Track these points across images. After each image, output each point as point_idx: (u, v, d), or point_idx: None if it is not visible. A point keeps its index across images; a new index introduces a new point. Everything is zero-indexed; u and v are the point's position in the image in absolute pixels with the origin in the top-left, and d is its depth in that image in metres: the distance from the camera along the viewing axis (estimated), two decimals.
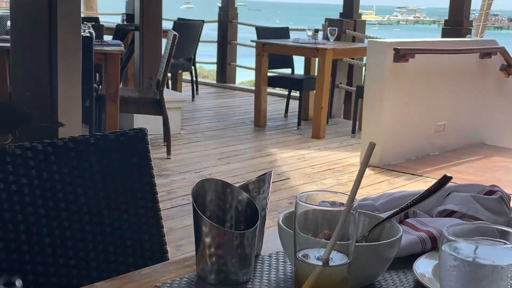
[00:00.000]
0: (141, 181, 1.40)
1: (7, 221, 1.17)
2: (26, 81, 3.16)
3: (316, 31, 6.16)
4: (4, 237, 1.16)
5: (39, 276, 1.20)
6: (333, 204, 0.97)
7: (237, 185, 1.04)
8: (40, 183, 1.24)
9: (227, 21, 8.51)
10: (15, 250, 1.17)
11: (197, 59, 7.68)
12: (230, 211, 1.02)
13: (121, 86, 5.56)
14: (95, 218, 1.30)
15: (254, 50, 6.27)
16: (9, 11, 6.86)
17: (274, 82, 6.50)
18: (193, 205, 0.97)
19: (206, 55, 9.87)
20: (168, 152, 4.84)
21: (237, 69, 8.87)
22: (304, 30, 6.64)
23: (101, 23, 6.40)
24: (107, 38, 6.00)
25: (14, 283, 0.60)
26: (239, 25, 8.70)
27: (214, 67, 9.37)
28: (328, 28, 6.21)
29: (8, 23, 5.99)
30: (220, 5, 8.71)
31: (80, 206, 1.29)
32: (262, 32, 6.64)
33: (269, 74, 6.27)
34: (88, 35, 4.31)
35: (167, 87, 6.95)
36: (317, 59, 6.02)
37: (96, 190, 1.32)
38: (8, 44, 4.21)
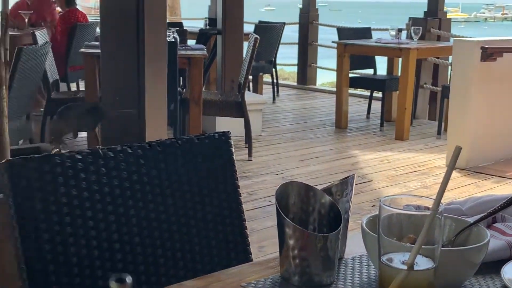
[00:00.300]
0: (225, 183, 1.43)
1: (99, 221, 1.23)
2: (115, 86, 3.29)
3: (400, 30, 6.06)
4: (97, 236, 1.22)
5: (130, 274, 1.25)
6: (418, 208, 0.96)
7: (319, 187, 1.05)
8: (131, 185, 1.29)
9: (307, 23, 8.51)
10: (107, 249, 1.23)
11: (277, 61, 7.72)
12: (313, 214, 1.03)
13: (203, 89, 5.67)
14: (182, 219, 1.35)
15: (335, 51, 6.24)
16: (98, 19, 7.14)
17: (356, 83, 6.44)
18: (276, 207, 0.98)
19: (286, 57, 9.90)
20: (250, 154, 4.89)
21: (318, 70, 8.85)
22: (386, 29, 6.54)
23: (184, 28, 6.56)
24: (191, 42, 6.14)
25: (125, 279, 0.64)
26: (320, 26, 8.67)
27: (295, 69, 9.38)
28: (412, 27, 6.09)
29: (98, 30, 6.26)
30: (300, 6, 8.72)
31: (167, 207, 1.34)
32: (343, 32, 6.59)
33: (350, 75, 6.21)
34: (173, 40, 4.43)
35: (248, 90, 7.02)
36: (400, 59, 5.91)
37: (182, 191, 1.36)
38: (98, 50, 4.39)
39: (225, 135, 1.45)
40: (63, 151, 1.25)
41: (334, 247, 0.97)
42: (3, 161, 1.15)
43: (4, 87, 2.27)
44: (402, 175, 4.62)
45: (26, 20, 6.16)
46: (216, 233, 1.38)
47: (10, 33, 2.33)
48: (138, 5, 3.12)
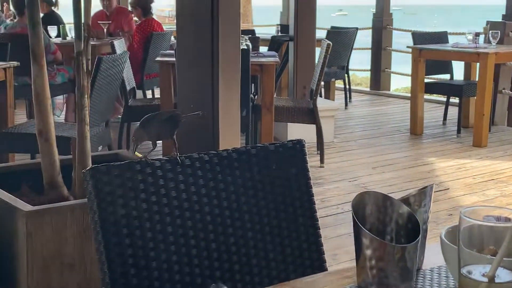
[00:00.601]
0: (299, 191, 1.44)
1: (178, 227, 1.26)
2: (190, 93, 3.36)
3: (477, 34, 5.88)
4: (175, 242, 1.25)
5: (205, 279, 1.28)
6: (498, 219, 0.94)
7: (394, 195, 1.04)
8: (207, 192, 1.32)
9: (381, 28, 8.40)
10: (185, 254, 1.26)
11: (349, 67, 7.65)
12: (391, 224, 1.02)
13: (275, 95, 5.70)
14: (256, 225, 1.36)
15: (410, 55, 6.13)
16: (172, 28, 7.28)
17: (432, 88, 6.30)
18: (353, 217, 0.98)
19: (358, 62, 9.80)
20: (322, 161, 4.87)
21: (392, 75, 8.71)
22: (463, 34, 6.37)
23: (257, 35, 6.61)
24: (263, 49, 6.18)
25: None
26: (394, 30, 8.54)
27: (367, 74, 9.27)
28: (490, 31, 5.90)
29: (172, 38, 6.40)
30: (374, 11, 8.61)
31: (242, 214, 1.35)
32: (418, 37, 6.46)
33: (426, 80, 6.09)
34: (245, 47, 4.48)
35: (320, 96, 6.99)
36: (478, 64, 5.74)
37: (257, 198, 1.38)
38: (173, 59, 4.49)
39: (300, 143, 1.46)
40: (138, 156, 1.29)
41: (412, 258, 0.96)
42: (88, 168, 1.19)
43: (86, 96, 2.36)
44: (480, 183, 4.48)
45: (105, 30, 6.38)
46: (290, 240, 1.38)
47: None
48: (213, 14, 3.17)
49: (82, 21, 2.40)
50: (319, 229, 1.42)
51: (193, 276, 1.25)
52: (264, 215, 1.37)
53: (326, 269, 1.39)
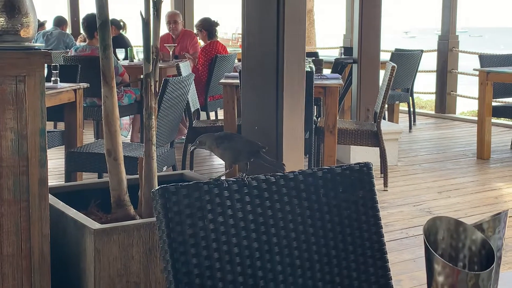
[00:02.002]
0: (366, 214, 1.42)
1: (244, 248, 1.27)
2: (254, 115, 3.38)
3: None
4: (241, 263, 1.25)
5: None
6: None
7: (462, 221, 1.01)
8: (273, 214, 1.32)
9: (447, 50, 8.25)
10: (251, 275, 1.25)
11: (414, 89, 7.54)
12: (463, 250, 0.99)
13: (338, 118, 5.66)
14: (322, 248, 1.35)
15: (476, 78, 5.99)
16: (236, 50, 7.35)
17: (499, 112, 6.14)
18: (424, 242, 0.96)
19: (423, 84, 9.65)
20: (385, 184, 4.80)
21: (458, 98, 8.53)
22: None
23: (320, 57, 6.61)
24: (326, 71, 6.17)
25: None
26: (460, 52, 8.38)
27: (432, 97, 9.10)
28: None
29: (236, 61, 6.48)
30: (439, 33, 8.48)
31: (308, 236, 1.35)
32: (485, 59, 6.32)
33: (493, 103, 5.93)
34: (309, 70, 4.48)
35: (384, 118, 6.91)
36: None
37: (323, 221, 1.37)
38: (236, 81, 4.54)
39: (367, 166, 1.44)
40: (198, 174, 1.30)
41: (486, 286, 0.92)
42: (156, 187, 1.21)
43: (154, 117, 2.41)
44: None
45: (171, 52, 6.52)
46: (357, 265, 1.36)
47: None
48: (278, 37, 3.20)
49: (151, 44, 2.46)
50: (386, 253, 1.40)
51: None
52: (330, 238, 1.36)
53: None
